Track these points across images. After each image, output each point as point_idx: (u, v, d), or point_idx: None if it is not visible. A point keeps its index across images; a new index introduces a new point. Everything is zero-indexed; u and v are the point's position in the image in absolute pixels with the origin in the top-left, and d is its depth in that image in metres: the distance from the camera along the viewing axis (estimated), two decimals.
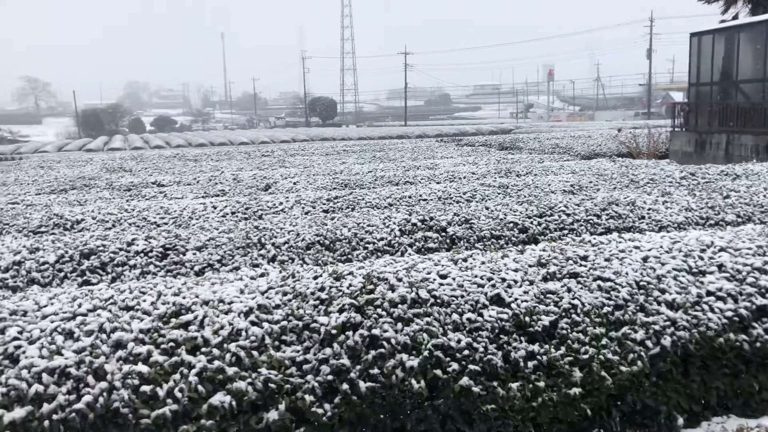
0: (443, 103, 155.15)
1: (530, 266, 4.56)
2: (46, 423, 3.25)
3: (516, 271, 4.47)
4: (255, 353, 3.65)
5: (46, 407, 3.29)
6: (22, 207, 10.07)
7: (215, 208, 8.83)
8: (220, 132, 72.57)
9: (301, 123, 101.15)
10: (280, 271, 4.46)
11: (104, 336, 3.64)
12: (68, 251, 6.05)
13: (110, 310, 3.86)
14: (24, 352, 3.50)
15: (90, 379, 3.42)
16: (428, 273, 4.35)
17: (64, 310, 3.84)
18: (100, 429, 3.32)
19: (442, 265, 4.52)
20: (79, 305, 3.88)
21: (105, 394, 3.37)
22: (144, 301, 3.97)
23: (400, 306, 4.00)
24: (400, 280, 4.24)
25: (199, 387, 3.47)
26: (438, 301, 4.09)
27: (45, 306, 3.90)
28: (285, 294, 4.08)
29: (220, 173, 14.73)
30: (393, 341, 3.80)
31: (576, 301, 4.22)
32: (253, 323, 3.81)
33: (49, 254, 5.99)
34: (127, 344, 3.61)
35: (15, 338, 3.59)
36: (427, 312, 3.99)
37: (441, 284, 4.23)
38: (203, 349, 3.64)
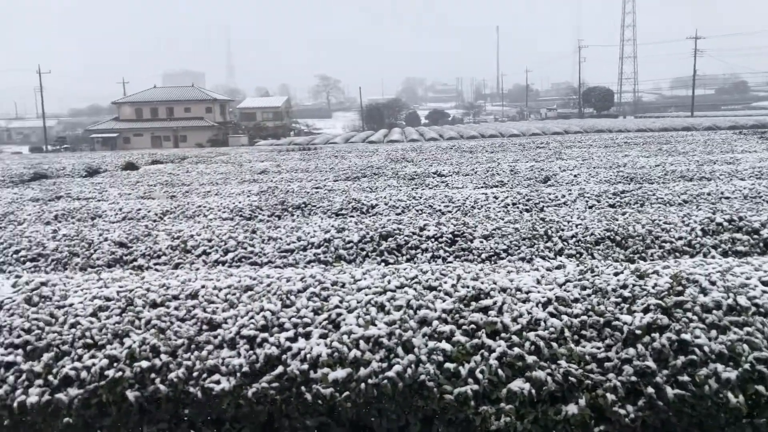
0: (738, 91, 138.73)
1: None
2: (363, 385, 3.59)
3: None
4: (554, 344, 3.62)
5: (362, 371, 3.63)
6: (324, 191, 11.26)
7: (497, 198, 8.95)
8: (490, 124, 73.70)
9: (573, 114, 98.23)
10: (578, 265, 4.35)
11: (411, 312, 3.90)
12: (369, 232, 6.61)
13: (415, 288, 4.12)
14: (344, 320, 3.90)
15: (399, 350, 3.69)
16: (747, 278, 3.91)
17: (375, 284, 4.20)
18: (407, 398, 3.57)
19: (765, 271, 4.02)
20: (389, 281, 4.21)
21: (412, 366, 3.61)
22: (445, 282, 4.16)
23: (714, 312, 3.65)
24: (713, 283, 3.88)
25: (499, 371, 3.55)
26: (761, 310, 3.65)
27: (359, 280, 4.30)
28: (584, 288, 3.98)
29: (496, 164, 14.92)
30: (706, 349, 3.48)
31: None
32: (551, 314, 3.78)
33: (353, 234, 6.61)
34: (431, 322, 3.82)
35: (336, 306, 4.02)
36: (747, 321, 3.59)
37: (764, 291, 3.77)
38: (503, 335, 3.71)
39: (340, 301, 4.05)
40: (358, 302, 4.02)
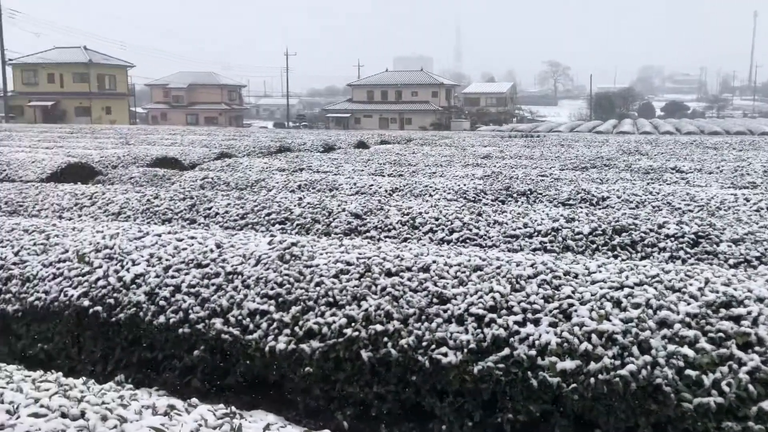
0: None
1: None
2: (592, 380, 3.48)
3: None
4: None
5: (593, 365, 3.51)
6: (550, 179, 11.00)
7: (747, 200, 8.08)
8: (737, 120, 66.47)
9: None
10: None
11: (650, 311, 3.69)
12: (601, 225, 6.34)
13: (656, 288, 3.88)
14: (576, 311, 3.80)
15: (635, 349, 3.51)
16: None
17: (611, 279, 4.02)
18: (640, 400, 3.39)
19: None
20: (626, 277, 4.01)
21: (648, 367, 3.42)
22: (690, 285, 3.86)
23: None
24: None
25: (750, 387, 3.22)
26: None
27: (594, 272, 4.15)
28: None
29: (746, 164, 13.44)
30: None
31: None
32: None
33: (583, 225, 6.39)
34: (672, 324, 3.57)
35: (568, 296, 3.92)
36: None
37: None
38: (756, 348, 3.36)
39: (573, 292, 3.95)
40: (591, 295, 3.89)
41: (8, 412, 2.13)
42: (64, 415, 2.14)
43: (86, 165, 13.82)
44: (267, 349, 4.19)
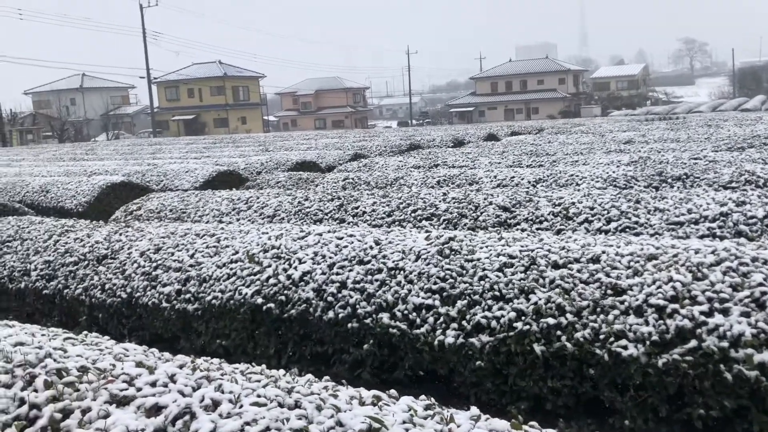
0: None
1: None
2: None
3: None
4: None
5: None
6: (705, 162, 10.31)
7: None
8: None
9: None
10: None
11: None
12: None
13: None
14: None
15: None
16: None
17: None
18: None
19: None
20: None
21: None
22: None
23: None
24: None
25: None
26: None
27: None
28: None
29: None
30: None
31: None
32: None
33: (756, 209, 5.92)
34: None
35: (760, 284, 3.65)
36: None
37: None
38: None
39: (765, 279, 3.66)
40: None
41: (230, 401, 2.28)
42: (281, 405, 2.26)
43: (234, 172, 14.64)
44: (436, 343, 4.23)
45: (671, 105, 66.95)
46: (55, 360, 2.54)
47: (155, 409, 2.25)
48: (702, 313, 3.60)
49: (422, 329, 4.33)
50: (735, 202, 6.14)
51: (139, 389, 2.39)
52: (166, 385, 2.41)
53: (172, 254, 5.91)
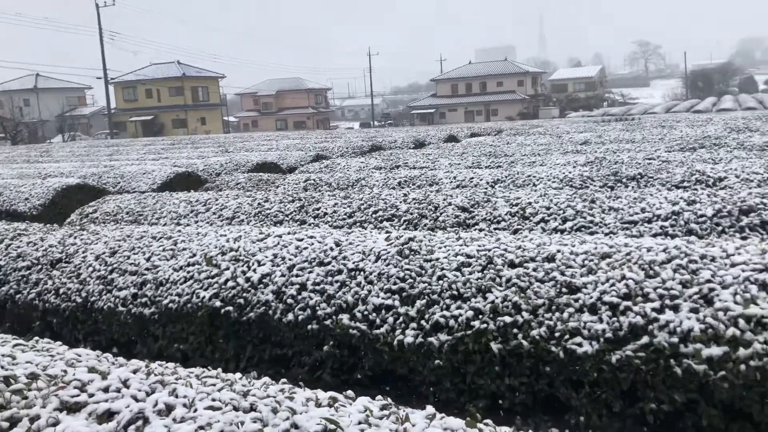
0: None
1: None
2: (743, 366, 3.31)
3: None
4: None
5: (742, 351, 3.35)
6: (659, 162, 10.56)
7: None
8: None
9: None
10: None
11: None
12: (725, 206, 6.03)
13: None
14: (718, 295, 3.63)
15: None
16: None
17: (753, 261, 3.82)
18: None
19: None
20: None
21: None
22: None
23: None
24: None
25: None
26: None
27: (732, 255, 3.96)
28: None
29: None
30: None
31: None
32: None
33: (706, 207, 6.10)
34: None
35: (708, 281, 3.75)
36: None
37: None
38: None
39: (712, 276, 3.77)
40: (733, 278, 3.71)
41: (184, 405, 2.25)
42: (236, 408, 2.24)
43: (192, 174, 14.45)
44: (395, 343, 4.25)
45: (627, 106, 68.46)
46: (2, 367, 2.48)
47: (107, 415, 2.22)
48: (653, 309, 3.70)
49: (382, 329, 4.34)
50: (686, 201, 6.31)
51: (91, 395, 2.35)
52: (119, 391, 2.37)
53: (128, 257, 5.81)
